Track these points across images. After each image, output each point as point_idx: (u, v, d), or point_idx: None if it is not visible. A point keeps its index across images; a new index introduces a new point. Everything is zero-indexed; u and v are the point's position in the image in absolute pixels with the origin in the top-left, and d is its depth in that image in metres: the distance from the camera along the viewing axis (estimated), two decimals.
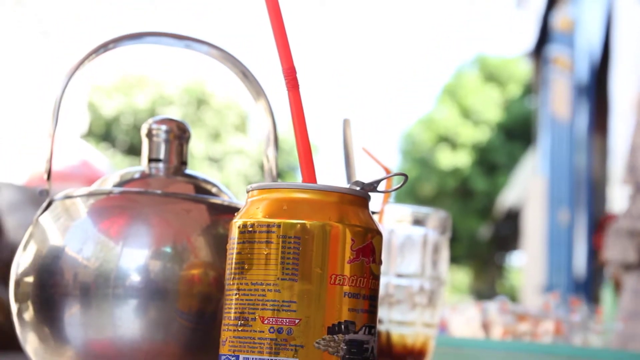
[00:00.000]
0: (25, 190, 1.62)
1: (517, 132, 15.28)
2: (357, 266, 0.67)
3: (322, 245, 0.66)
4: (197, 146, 15.20)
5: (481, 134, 15.81)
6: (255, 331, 0.66)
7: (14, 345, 0.87)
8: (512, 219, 12.87)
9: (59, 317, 0.78)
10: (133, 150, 15.07)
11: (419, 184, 15.92)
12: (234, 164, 15.75)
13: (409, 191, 15.63)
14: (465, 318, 1.42)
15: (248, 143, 16.05)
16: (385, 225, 1.09)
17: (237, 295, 0.67)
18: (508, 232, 14.60)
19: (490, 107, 15.98)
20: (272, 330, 0.66)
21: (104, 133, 15.47)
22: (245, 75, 0.89)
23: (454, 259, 15.65)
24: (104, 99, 15.54)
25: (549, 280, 7.50)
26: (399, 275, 1.11)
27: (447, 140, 15.96)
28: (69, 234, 0.80)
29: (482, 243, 16.26)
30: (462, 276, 18.06)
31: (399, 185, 0.72)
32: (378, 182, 0.70)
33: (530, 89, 14.08)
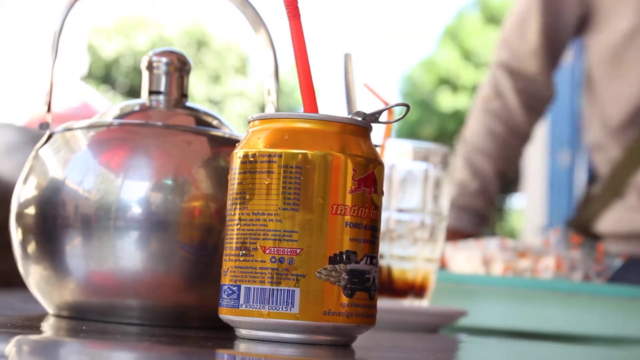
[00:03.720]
0: (25, 131, 1.62)
1: None
2: (358, 196, 0.67)
3: (323, 175, 0.66)
4: (197, 88, 15.16)
5: (482, 76, 15.73)
6: (257, 261, 0.66)
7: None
8: None
9: (61, 249, 0.78)
10: (133, 93, 15.03)
11: (419, 127, 15.90)
12: (234, 107, 15.72)
13: (409, 133, 15.61)
14: (465, 255, 1.42)
15: (248, 85, 16.01)
16: (386, 160, 1.09)
17: (239, 226, 0.67)
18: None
19: (492, 49, 15.91)
20: (273, 260, 0.66)
21: (103, 75, 15.43)
22: (245, 5, 0.88)
23: None
24: (104, 41, 15.48)
25: (549, 223, 7.51)
26: (400, 210, 1.11)
27: (448, 83, 15.90)
28: (70, 166, 0.80)
29: None
30: None
31: (400, 116, 0.71)
32: (380, 112, 0.70)
33: None
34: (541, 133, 8.32)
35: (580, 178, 7.29)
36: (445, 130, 15.81)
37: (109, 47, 15.47)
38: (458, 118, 15.65)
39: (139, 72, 0.84)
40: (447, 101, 15.76)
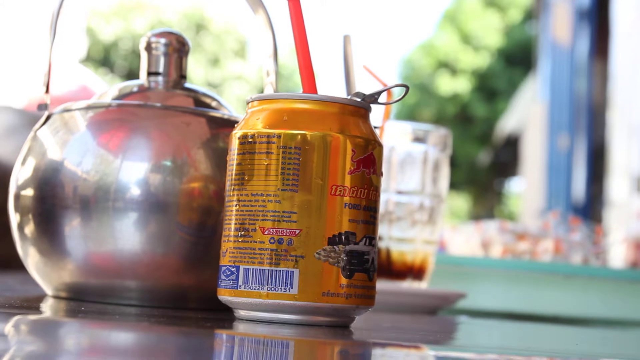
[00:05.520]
0: (24, 113, 1.61)
1: (518, 58, 15.21)
2: (357, 177, 0.67)
3: (322, 156, 0.66)
4: (196, 72, 15.13)
5: (481, 60, 15.73)
6: (256, 242, 0.66)
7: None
8: (512, 145, 12.87)
9: (60, 230, 0.78)
10: (132, 76, 14.99)
11: (418, 110, 15.88)
12: (233, 90, 15.69)
13: (408, 117, 15.59)
14: (464, 237, 1.42)
15: (247, 69, 15.98)
16: (385, 142, 1.08)
17: (238, 207, 0.67)
18: (507, 158, 14.61)
19: (491, 32, 15.88)
20: (272, 240, 0.66)
21: (102, 58, 15.40)
22: None
23: (453, 185, 15.67)
24: (102, 24, 15.44)
25: (548, 206, 7.52)
26: (399, 192, 1.11)
27: (447, 66, 15.88)
28: (68, 147, 0.79)
29: (482, 169, 16.28)
30: (461, 202, 18.10)
31: (400, 97, 0.71)
32: (379, 93, 0.70)
33: (531, 14, 13.99)
34: (540, 116, 8.32)
35: (579, 161, 7.29)
36: (444, 114, 15.80)
37: (108, 30, 15.43)
38: (457, 101, 15.65)
39: (138, 55, 0.84)
40: (446, 84, 15.74)
